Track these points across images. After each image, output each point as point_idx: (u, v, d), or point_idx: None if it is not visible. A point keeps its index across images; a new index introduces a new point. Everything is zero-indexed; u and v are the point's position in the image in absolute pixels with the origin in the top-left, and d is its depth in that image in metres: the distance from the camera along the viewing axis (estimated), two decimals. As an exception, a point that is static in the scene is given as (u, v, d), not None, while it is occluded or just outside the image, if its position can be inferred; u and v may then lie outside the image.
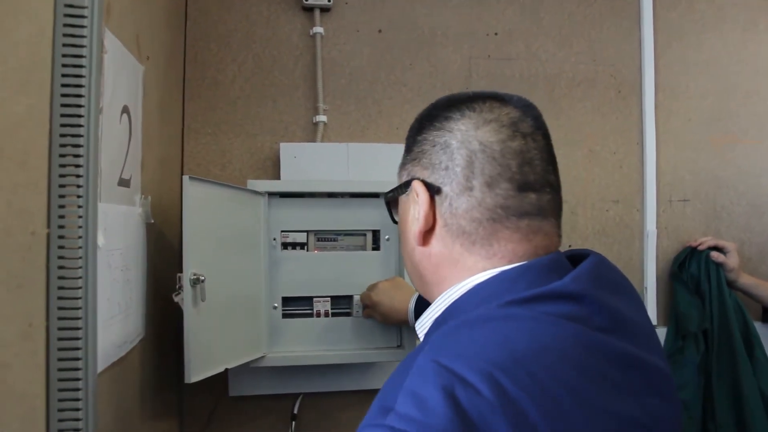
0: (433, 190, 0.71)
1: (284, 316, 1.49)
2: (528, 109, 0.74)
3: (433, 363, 0.55)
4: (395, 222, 0.82)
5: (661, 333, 1.76)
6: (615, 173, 1.80)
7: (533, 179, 0.70)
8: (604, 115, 1.80)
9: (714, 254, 1.73)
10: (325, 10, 1.64)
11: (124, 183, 1.03)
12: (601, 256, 0.74)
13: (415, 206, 0.73)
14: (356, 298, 1.49)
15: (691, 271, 1.76)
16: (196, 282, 1.18)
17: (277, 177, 1.58)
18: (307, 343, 1.49)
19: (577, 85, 1.79)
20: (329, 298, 1.50)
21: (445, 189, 0.70)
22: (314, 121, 1.62)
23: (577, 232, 1.77)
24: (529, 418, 0.51)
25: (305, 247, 1.50)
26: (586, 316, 0.63)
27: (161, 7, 1.32)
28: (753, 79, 1.92)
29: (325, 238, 1.52)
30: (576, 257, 0.73)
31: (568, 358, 0.57)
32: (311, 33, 1.63)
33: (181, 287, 1.17)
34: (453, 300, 0.70)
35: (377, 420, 0.52)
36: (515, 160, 0.69)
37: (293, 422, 1.58)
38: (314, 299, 1.50)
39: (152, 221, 1.20)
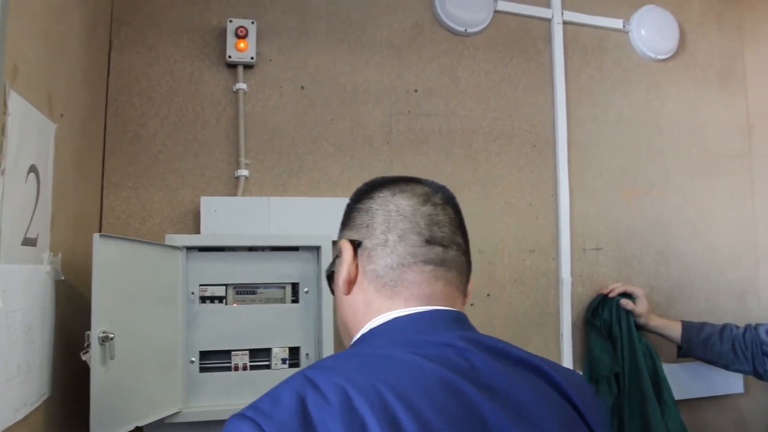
0: (355, 245, 0.83)
1: (202, 370, 1.49)
2: (441, 190, 0.86)
3: (301, 374, 0.67)
4: (333, 293, 0.92)
5: (578, 378, 1.82)
6: (531, 224, 1.88)
7: (440, 236, 0.81)
8: (520, 169, 1.88)
9: (623, 302, 1.81)
10: (248, 66, 1.68)
11: (29, 242, 1.03)
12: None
13: (342, 262, 0.84)
14: (275, 350, 1.50)
15: (604, 317, 1.84)
16: (104, 340, 1.18)
17: (198, 231, 1.59)
18: (226, 397, 1.49)
19: (494, 140, 1.87)
20: (248, 351, 1.50)
21: (365, 242, 0.82)
22: (236, 175, 1.64)
23: (494, 281, 1.82)
24: (368, 428, 0.60)
25: (224, 301, 1.51)
26: (468, 371, 0.69)
27: (77, 64, 1.34)
28: (658, 136, 2.05)
29: (245, 291, 1.53)
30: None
31: (427, 393, 0.64)
32: (234, 89, 1.66)
33: (89, 345, 1.16)
34: (362, 333, 0.80)
35: (241, 410, 0.63)
36: (424, 220, 0.81)
37: (212, 478, 1.56)
38: (232, 353, 1.50)
39: (63, 278, 1.19)
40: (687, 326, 1.82)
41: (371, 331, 0.79)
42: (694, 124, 2.11)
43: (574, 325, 1.88)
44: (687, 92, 2.11)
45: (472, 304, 1.79)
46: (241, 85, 1.66)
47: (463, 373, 0.68)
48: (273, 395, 0.65)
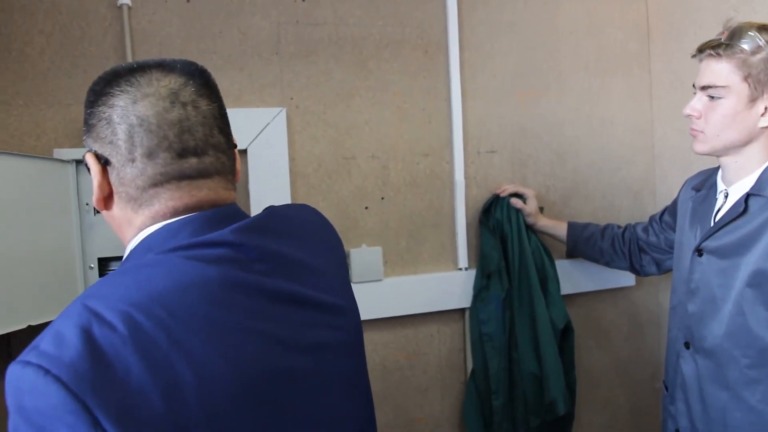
0: (102, 161, 0.77)
1: (101, 275, 1.58)
2: (193, 76, 0.79)
3: (79, 305, 0.64)
4: None
5: (472, 274, 1.95)
6: (424, 128, 1.95)
7: (193, 145, 0.77)
8: (412, 75, 1.93)
9: (513, 201, 1.91)
10: (131, -19, 1.69)
11: None
12: (273, 210, 0.87)
13: (93, 178, 0.79)
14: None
15: (496, 216, 1.94)
16: (-18, 246, 1.26)
17: (92, 144, 1.65)
18: (125, 299, 1.60)
19: (385, 47, 1.91)
20: (142, 256, 1.59)
21: (113, 161, 0.76)
22: (125, 90, 1.68)
23: (389, 184, 1.91)
24: (161, 349, 0.63)
25: (118, 210, 1.59)
26: (244, 261, 0.75)
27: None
28: (554, 38, 2.09)
29: (139, 200, 1.61)
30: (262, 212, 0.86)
31: (208, 294, 0.69)
32: (118, 4, 1.68)
33: (-33, 251, 1.25)
34: (128, 252, 0.80)
35: (22, 356, 0.60)
36: (172, 130, 0.75)
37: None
38: (129, 258, 1.60)
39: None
40: (572, 226, 1.93)
41: (139, 245, 0.77)
42: (592, 25, 2.14)
43: (469, 224, 1.98)
44: (585, -7, 2.14)
45: (366, 207, 1.88)
46: (125, 1, 1.67)
47: (238, 263, 0.74)
48: (55, 334, 0.62)
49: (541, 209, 1.97)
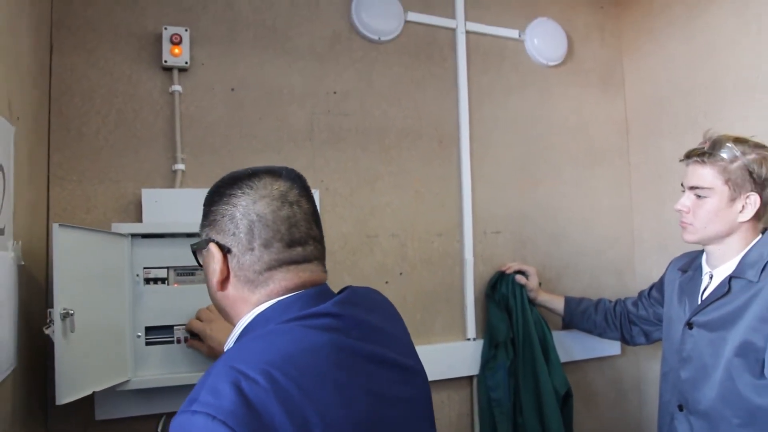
0: (224, 250, 0.95)
1: (147, 343, 1.66)
2: (295, 181, 0.99)
3: (226, 366, 0.79)
4: (200, 266, 1.04)
5: (479, 344, 2.10)
6: (438, 211, 2.14)
7: (299, 237, 0.95)
8: (428, 162, 2.13)
9: (518, 277, 2.10)
10: (183, 70, 1.84)
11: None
12: (355, 289, 1.05)
13: (213, 261, 0.96)
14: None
15: (502, 291, 2.12)
16: (65, 316, 1.35)
17: (140, 220, 1.75)
18: (169, 367, 1.67)
19: (405, 137, 2.11)
20: (188, 326, 1.68)
21: (234, 249, 0.95)
22: (173, 169, 1.81)
23: (407, 261, 2.07)
24: (295, 398, 0.77)
25: (166, 282, 1.69)
26: (345, 328, 0.93)
27: (28, 69, 1.48)
28: (549, 133, 2.34)
29: (184, 273, 1.71)
30: (342, 291, 1.04)
31: (325, 355, 0.85)
32: (170, 90, 1.82)
33: (51, 321, 1.33)
34: (246, 324, 0.95)
35: (186, 407, 0.74)
36: (284, 225, 0.94)
37: (156, 440, 1.74)
38: (174, 327, 1.68)
39: (23, 263, 1.35)
40: (568, 300, 2.13)
41: (257, 317, 0.93)
42: (580, 123, 2.42)
43: (476, 299, 2.16)
44: (574, 94, 2.42)
45: (387, 282, 2.03)
46: (177, 87, 1.82)
47: (342, 331, 0.92)
48: (211, 388, 0.75)
49: (539, 284, 2.16)
